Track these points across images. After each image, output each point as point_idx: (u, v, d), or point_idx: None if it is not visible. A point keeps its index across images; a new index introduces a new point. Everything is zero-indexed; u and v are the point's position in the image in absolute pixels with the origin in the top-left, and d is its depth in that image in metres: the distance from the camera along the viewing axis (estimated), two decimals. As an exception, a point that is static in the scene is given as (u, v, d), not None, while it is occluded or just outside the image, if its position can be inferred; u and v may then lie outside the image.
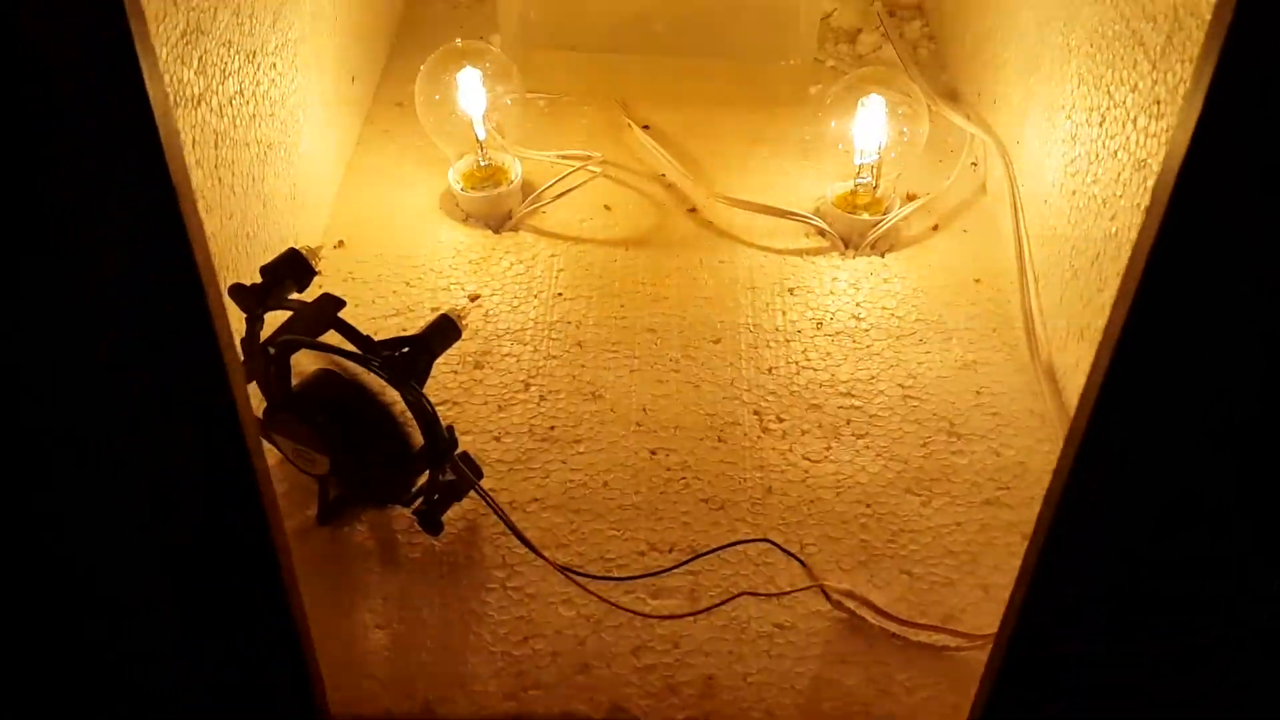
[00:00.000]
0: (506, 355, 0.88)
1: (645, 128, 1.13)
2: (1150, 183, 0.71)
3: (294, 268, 0.76)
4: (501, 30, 1.20)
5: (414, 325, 0.90)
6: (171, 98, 0.69)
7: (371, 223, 1.01)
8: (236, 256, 0.82)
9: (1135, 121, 0.73)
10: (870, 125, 0.98)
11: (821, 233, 1.01)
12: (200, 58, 0.72)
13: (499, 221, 1.02)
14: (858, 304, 0.93)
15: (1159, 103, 0.70)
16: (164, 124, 0.39)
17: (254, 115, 0.81)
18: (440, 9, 1.32)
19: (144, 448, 0.47)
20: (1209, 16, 0.60)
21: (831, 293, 0.95)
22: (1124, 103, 0.75)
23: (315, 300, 0.77)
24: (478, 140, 1.02)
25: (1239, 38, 0.39)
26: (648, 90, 1.17)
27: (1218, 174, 0.40)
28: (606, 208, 1.04)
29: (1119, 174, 0.76)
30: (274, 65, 0.85)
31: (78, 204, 0.40)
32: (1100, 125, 0.79)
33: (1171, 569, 0.50)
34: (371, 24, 1.17)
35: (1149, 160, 0.73)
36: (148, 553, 0.50)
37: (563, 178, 1.03)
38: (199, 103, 0.73)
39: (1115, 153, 0.76)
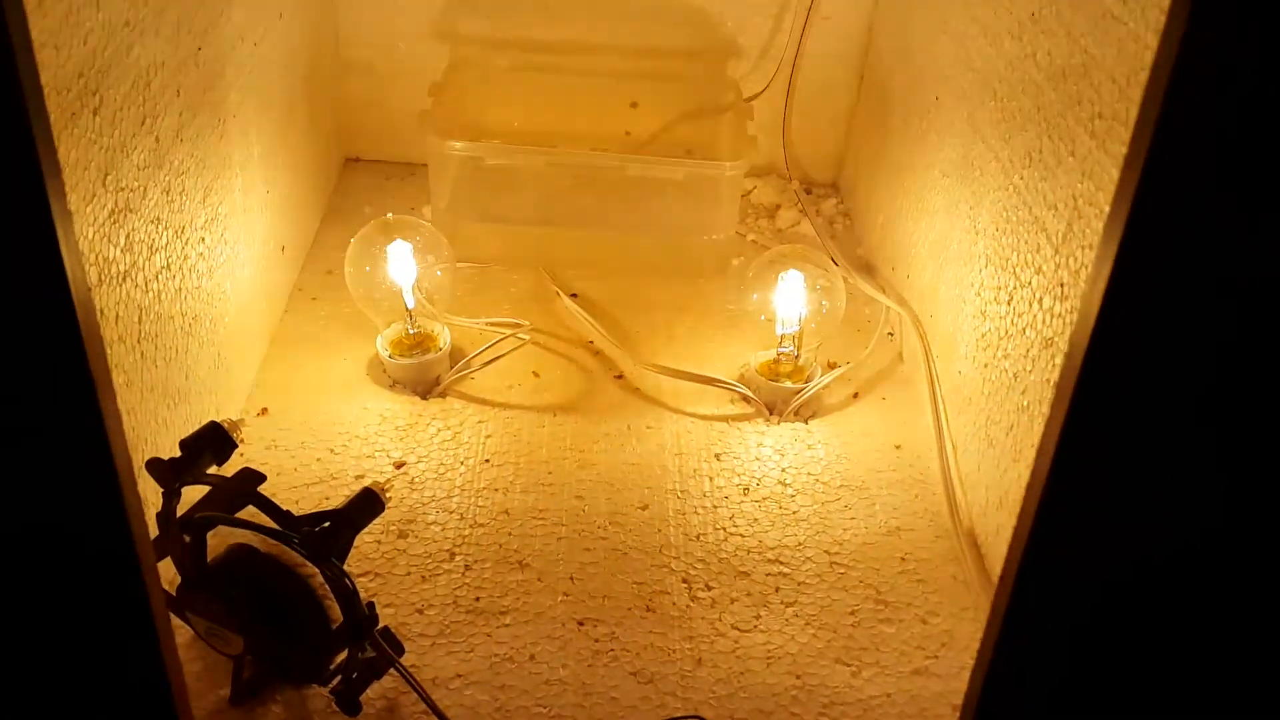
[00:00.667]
0: (432, 524, 0.87)
1: (573, 296, 1.16)
2: (1058, 359, 0.75)
3: (214, 441, 0.75)
4: (433, 202, 1.23)
5: (337, 494, 0.89)
6: (96, 275, 0.69)
7: (297, 390, 1.00)
8: (156, 429, 0.80)
9: (1041, 302, 0.77)
10: (790, 298, 1.02)
11: (746, 399, 1.03)
12: (128, 235, 0.73)
13: (427, 388, 1.02)
14: (783, 469, 0.95)
15: (1063, 285, 0.74)
16: (84, 313, 0.39)
17: (180, 289, 0.81)
18: (372, 179, 1.36)
19: (47, 624, 0.44)
20: (1107, 207, 0.65)
21: (757, 459, 0.96)
22: (1030, 284, 0.80)
23: (235, 475, 0.75)
24: (407, 309, 1.03)
25: (1137, 233, 0.42)
26: (576, 261, 1.20)
27: (1121, 359, 0.43)
28: (535, 374, 1.05)
29: (1028, 350, 0.79)
30: (203, 239, 0.85)
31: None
32: (1008, 304, 0.83)
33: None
34: (303, 196, 1.19)
35: (1055, 339, 0.76)
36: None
37: (491, 345, 1.04)
38: (124, 279, 0.73)
39: (1024, 330, 0.80)
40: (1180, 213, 0.41)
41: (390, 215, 1.06)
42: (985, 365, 0.88)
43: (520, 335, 1.07)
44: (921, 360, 1.03)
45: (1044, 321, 0.77)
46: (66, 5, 0.61)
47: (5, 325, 0.38)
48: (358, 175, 1.36)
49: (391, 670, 0.72)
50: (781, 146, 1.36)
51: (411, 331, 1.04)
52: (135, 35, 0.70)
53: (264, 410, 0.97)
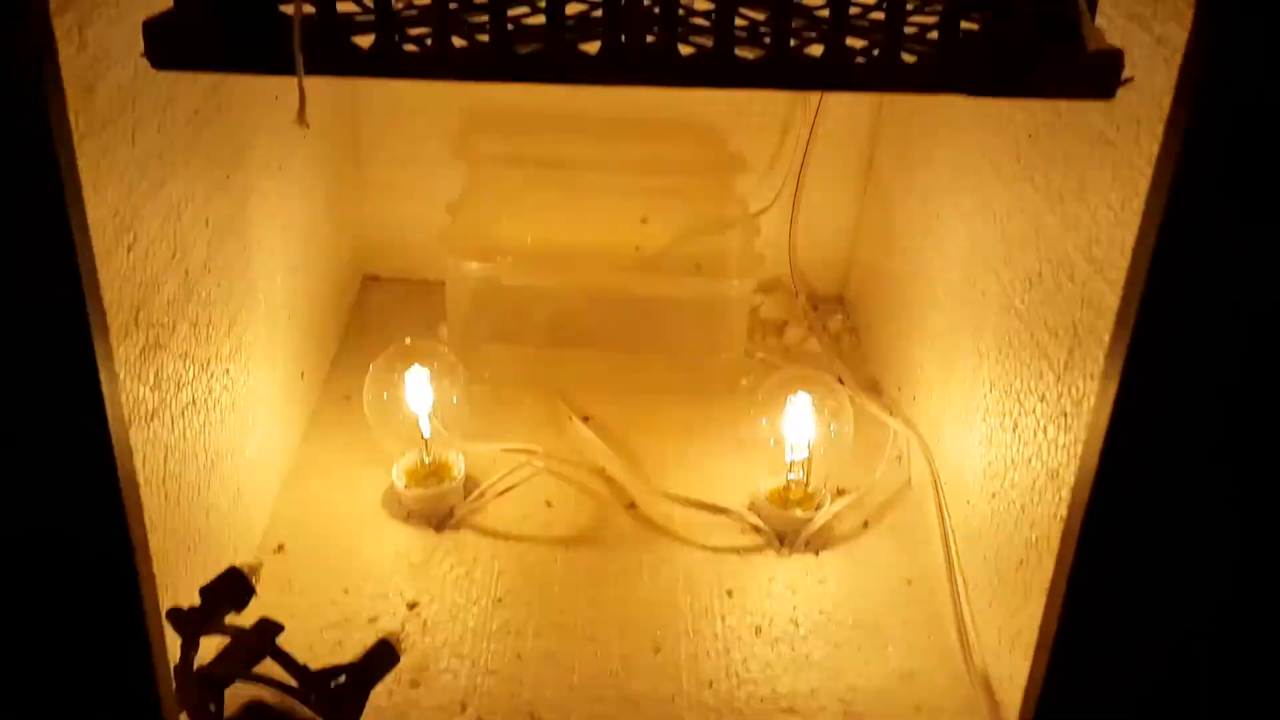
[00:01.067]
0: (444, 671, 0.87)
1: (585, 419, 1.17)
2: (1064, 493, 0.75)
3: (233, 588, 0.77)
4: (449, 322, 1.25)
5: (350, 638, 0.90)
6: (127, 415, 0.71)
7: (312, 525, 1.01)
8: (178, 573, 0.81)
9: (1045, 431, 0.78)
10: (799, 423, 1.03)
11: (757, 529, 1.04)
12: (156, 372, 0.74)
13: (441, 519, 1.03)
14: (794, 607, 0.95)
15: (1065, 414, 0.75)
16: (125, 474, 0.41)
17: (205, 424, 0.82)
18: (390, 298, 1.39)
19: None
20: (1106, 337, 0.66)
21: (769, 595, 0.96)
22: (1034, 411, 0.81)
23: (254, 626, 0.77)
24: (423, 438, 1.05)
25: (1134, 376, 0.43)
26: (588, 382, 1.22)
27: (1120, 511, 0.44)
28: (548, 504, 1.06)
29: (1034, 481, 0.80)
30: (227, 371, 0.87)
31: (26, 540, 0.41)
32: (1014, 431, 0.84)
33: None
34: (322, 317, 1.21)
35: (1060, 470, 0.77)
36: None
37: (505, 475, 1.06)
38: (152, 418, 0.74)
39: (1029, 460, 0.81)
40: (1172, 372, 0.43)
41: (408, 340, 1.08)
42: (993, 495, 0.89)
43: (535, 462, 1.08)
44: (930, 486, 1.04)
45: (1048, 452, 0.77)
46: (102, 144, 0.63)
47: (48, 474, 0.40)
48: (376, 293, 1.39)
49: (405, 834, 0.72)
50: (788, 261, 1.38)
51: (427, 460, 1.06)
52: (168, 169, 0.72)
53: (280, 547, 0.99)
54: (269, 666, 0.75)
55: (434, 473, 1.06)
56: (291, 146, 1.04)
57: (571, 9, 0.59)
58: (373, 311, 1.35)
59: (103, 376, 0.40)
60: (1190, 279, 0.40)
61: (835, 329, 1.34)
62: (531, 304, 1.26)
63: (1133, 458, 0.43)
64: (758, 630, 0.93)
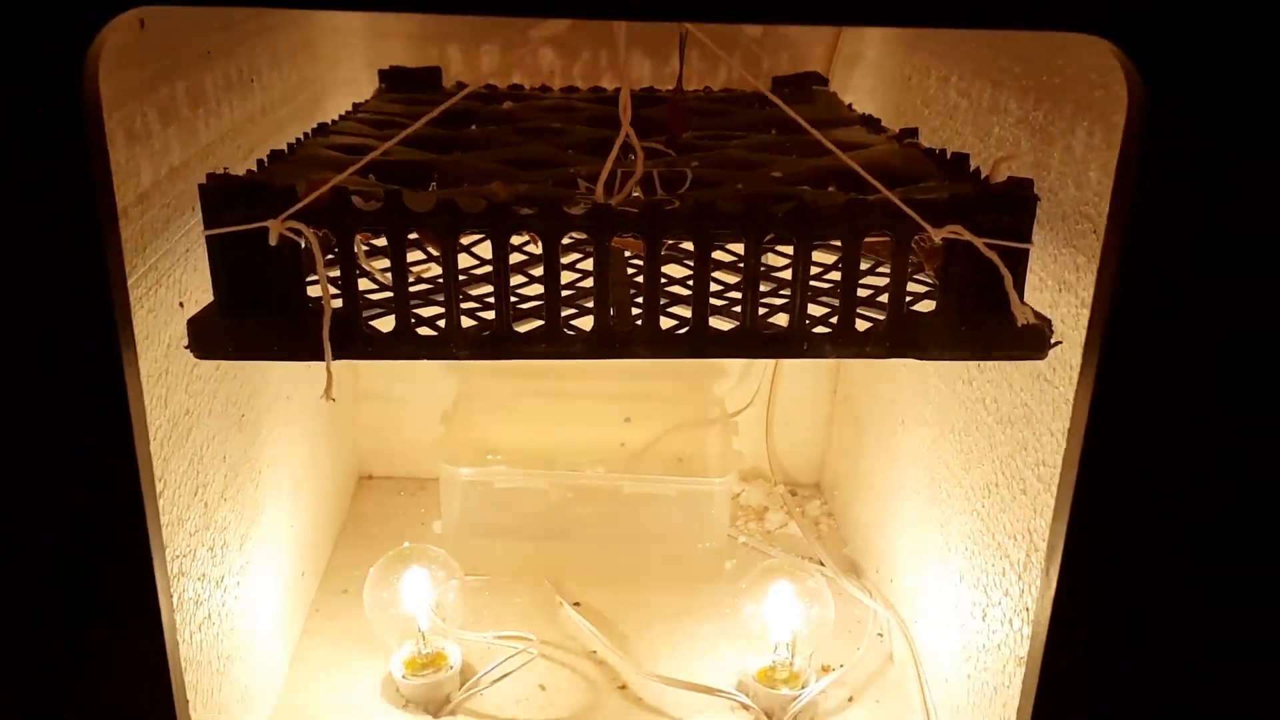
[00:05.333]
0: None
1: (576, 605, 1.22)
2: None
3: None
4: (444, 519, 1.31)
5: (353, 825, 0.91)
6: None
7: (314, 715, 1.04)
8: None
9: (1011, 623, 0.84)
10: (781, 609, 1.08)
11: (746, 708, 1.07)
12: (179, 596, 0.80)
13: (438, 706, 1.06)
14: (785, 783, 0.98)
15: (1028, 609, 0.81)
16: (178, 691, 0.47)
17: (218, 634, 0.87)
18: (385, 495, 1.45)
19: None
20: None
21: (759, 771, 0.99)
22: (999, 604, 0.87)
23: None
24: (420, 631, 1.09)
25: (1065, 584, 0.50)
26: (578, 571, 1.27)
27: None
28: (542, 688, 1.09)
29: (1004, 666, 0.85)
30: (238, 583, 0.93)
31: None
32: (983, 619, 0.90)
33: None
34: (322, 519, 1.27)
35: (1027, 659, 0.82)
36: None
37: (500, 663, 1.09)
38: (177, 635, 0.79)
39: (999, 646, 0.87)
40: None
41: (407, 544, 1.14)
42: (968, 676, 0.94)
43: (528, 650, 1.12)
44: (910, 665, 1.08)
45: (1016, 641, 0.83)
46: (138, 413, 0.71)
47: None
48: (372, 492, 1.45)
49: None
50: (766, 454, 1.46)
51: (424, 651, 1.10)
52: (193, 420, 0.80)
53: (283, 738, 1.01)
54: None
55: (430, 662, 1.09)
56: (298, 379, 1.13)
57: (566, 275, 0.69)
58: (368, 509, 1.41)
59: (162, 605, 0.46)
60: (1110, 495, 0.48)
61: (813, 514, 1.41)
62: (522, 502, 1.33)
63: (1067, 658, 0.50)
64: (750, 805, 0.95)
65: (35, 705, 0.45)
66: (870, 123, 1.00)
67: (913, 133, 0.91)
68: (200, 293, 0.76)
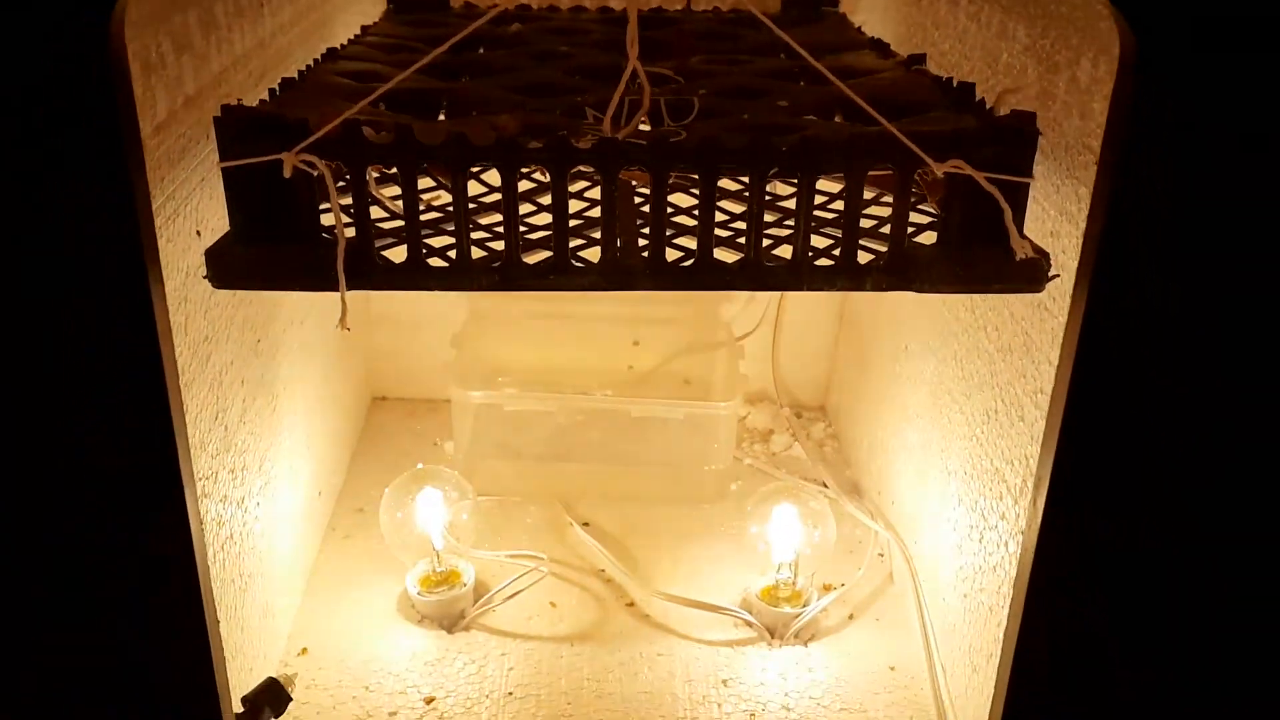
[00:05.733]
0: (462, 759, 0.93)
1: (585, 525, 1.25)
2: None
3: (273, 697, 0.84)
4: (455, 440, 1.34)
5: (373, 731, 0.96)
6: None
7: (332, 629, 1.08)
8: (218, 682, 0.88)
9: (1007, 545, 0.87)
10: (784, 531, 1.11)
11: (749, 624, 1.11)
12: (203, 516, 0.83)
13: (452, 621, 1.10)
14: (786, 694, 1.02)
15: (1023, 533, 0.83)
16: (209, 607, 0.49)
17: (239, 553, 0.90)
18: (397, 416, 1.48)
19: None
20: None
21: (761, 684, 1.03)
22: (996, 527, 0.89)
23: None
24: (434, 550, 1.13)
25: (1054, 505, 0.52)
26: (586, 492, 1.30)
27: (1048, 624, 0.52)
28: (552, 604, 1.13)
29: (999, 587, 0.88)
30: (258, 504, 0.95)
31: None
32: (980, 542, 0.93)
33: None
34: (337, 439, 1.30)
35: (1015, 582, 0.84)
36: None
37: (512, 580, 1.13)
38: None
39: (994, 568, 0.89)
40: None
41: (420, 466, 1.17)
42: (965, 595, 0.97)
43: (539, 568, 1.16)
44: (909, 584, 1.11)
45: (1010, 564, 0.86)
46: (166, 339, 0.73)
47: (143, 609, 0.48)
48: (385, 413, 1.48)
49: None
50: (771, 377, 1.48)
51: (438, 569, 1.13)
52: (212, 346, 0.82)
53: (304, 650, 1.05)
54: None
55: (445, 580, 1.13)
56: (310, 303, 1.14)
57: (573, 204, 0.70)
58: (382, 429, 1.43)
59: (192, 526, 0.49)
60: (1099, 424, 0.49)
61: (818, 436, 1.43)
62: (531, 424, 1.36)
63: (1056, 575, 0.52)
64: (752, 716, 0.99)
65: (74, 623, 0.48)
66: (879, 47, 0.99)
67: (920, 59, 0.91)
68: (217, 221, 0.77)
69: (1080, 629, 0.52)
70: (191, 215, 0.77)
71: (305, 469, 1.14)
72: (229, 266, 0.67)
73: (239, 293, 0.89)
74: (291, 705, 0.90)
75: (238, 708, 0.84)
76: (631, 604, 1.14)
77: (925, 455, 1.09)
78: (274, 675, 0.88)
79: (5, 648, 0.47)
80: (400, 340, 1.47)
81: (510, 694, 1.01)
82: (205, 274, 0.67)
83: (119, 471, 0.46)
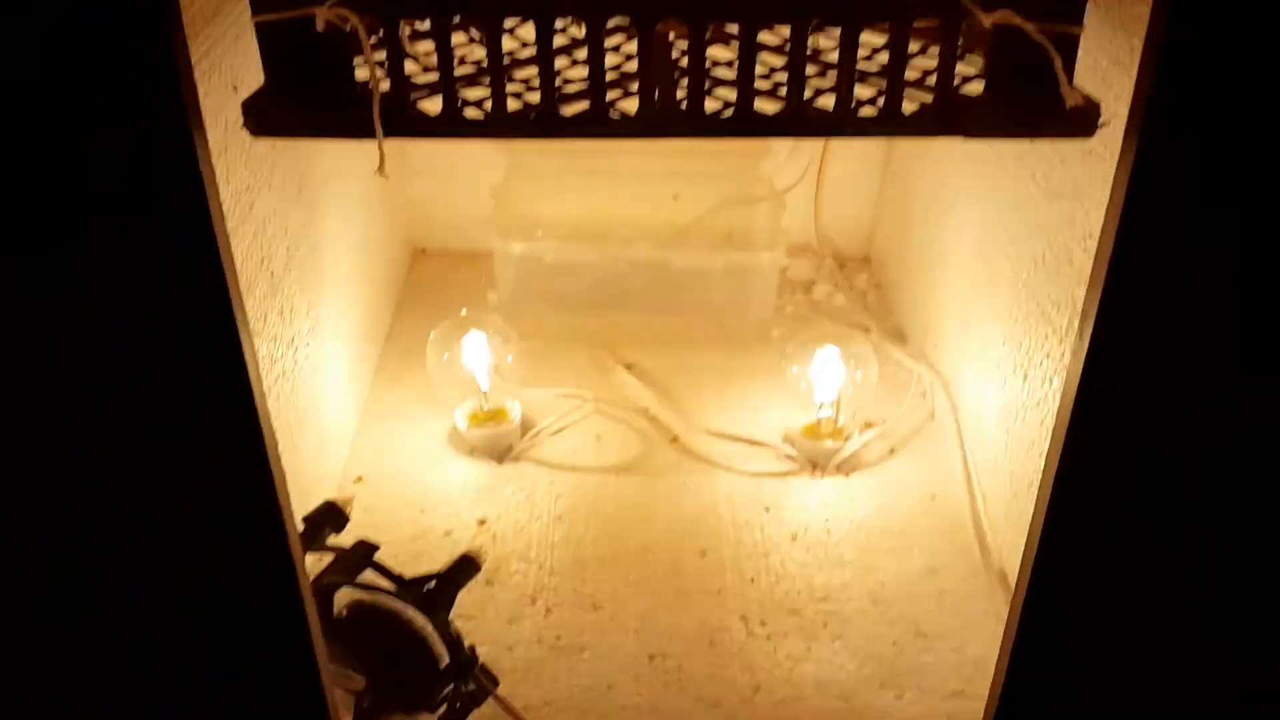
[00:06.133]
0: (514, 573, 0.97)
1: (629, 367, 1.27)
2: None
3: (331, 517, 0.88)
4: (499, 287, 1.35)
5: (429, 548, 1.00)
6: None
7: (385, 459, 1.12)
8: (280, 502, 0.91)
9: (1051, 382, 0.87)
10: (826, 372, 1.12)
11: (791, 458, 1.13)
12: (256, 353, 0.85)
13: (501, 454, 1.13)
14: (827, 519, 1.04)
15: (1069, 371, 0.84)
16: (267, 433, 0.51)
17: (292, 389, 0.93)
18: (440, 268, 1.49)
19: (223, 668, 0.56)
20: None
21: (804, 509, 1.05)
22: (1040, 365, 0.89)
23: (353, 546, 0.87)
24: (481, 391, 1.15)
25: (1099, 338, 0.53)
26: (630, 336, 1.32)
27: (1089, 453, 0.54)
28: (598, 438, 1.16)
29: (1042, 421, 0.89)
30: (307, 344, 0.98)
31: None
32: (1024, 380, 0.93)
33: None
34: (381, 289, 1.32)
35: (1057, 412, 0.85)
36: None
37: (558, 416, 1.15)
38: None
39: (1038, 404, 0.90)
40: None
41: (464, 311, 1.19)
42: (1007, 430, 0.98)
43: (584, 405, 1.18)
44: (951, 421, 1.13)
45: (1053, 399, 0.86)
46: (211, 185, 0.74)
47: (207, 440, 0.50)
48: (427, 265, 1.49)
49: (489, 699, 0.82)
50: (814, 228, 1.47)
51: (486, 407, 1.16)
52: (254, 195, 0.83)
53: (359, 478, 1.09)
54: (368, 577, 0.86)
55: (492, 416, 1.16)
56: (350, 155, 1.14)
57: (610, 59, 0.68)
58: (424, 281, 1.45)
59: (248, 361, 0.50)
60: (1146, 262, 0.49)
61: (861, 286, 1.43)
62: (573, 276, 1.36)
63: (1099, 406, 0.53)
64: (794, 537, 1.02)
65: (132, 452, 0.50)
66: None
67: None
68: (252, 78, 0.78)
69: (1120, 458, 0.54)
70: (228, 71, 0.77)
71: (351, 315, 1.16)
72: (265, 114, 0.67)
73: (278, 145, 0.90)
74: (352, 526, 0.94)
75: (299, 527, 0.88)
76: (675, 440, 1.16)
77: (970, 301, 1.09)
78: (331, 499, 0.92)
79: (74, 469, 0.50)
80: (439, 193, 1.48)
81: (559, 517, 1.04)
82: (243, 123, 0.67)
83: (172, 312, 0.47)
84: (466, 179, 1.44)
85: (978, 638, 0.91)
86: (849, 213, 1.48)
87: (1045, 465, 0.59)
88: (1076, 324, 0.82)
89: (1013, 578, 0.95)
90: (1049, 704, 0.61)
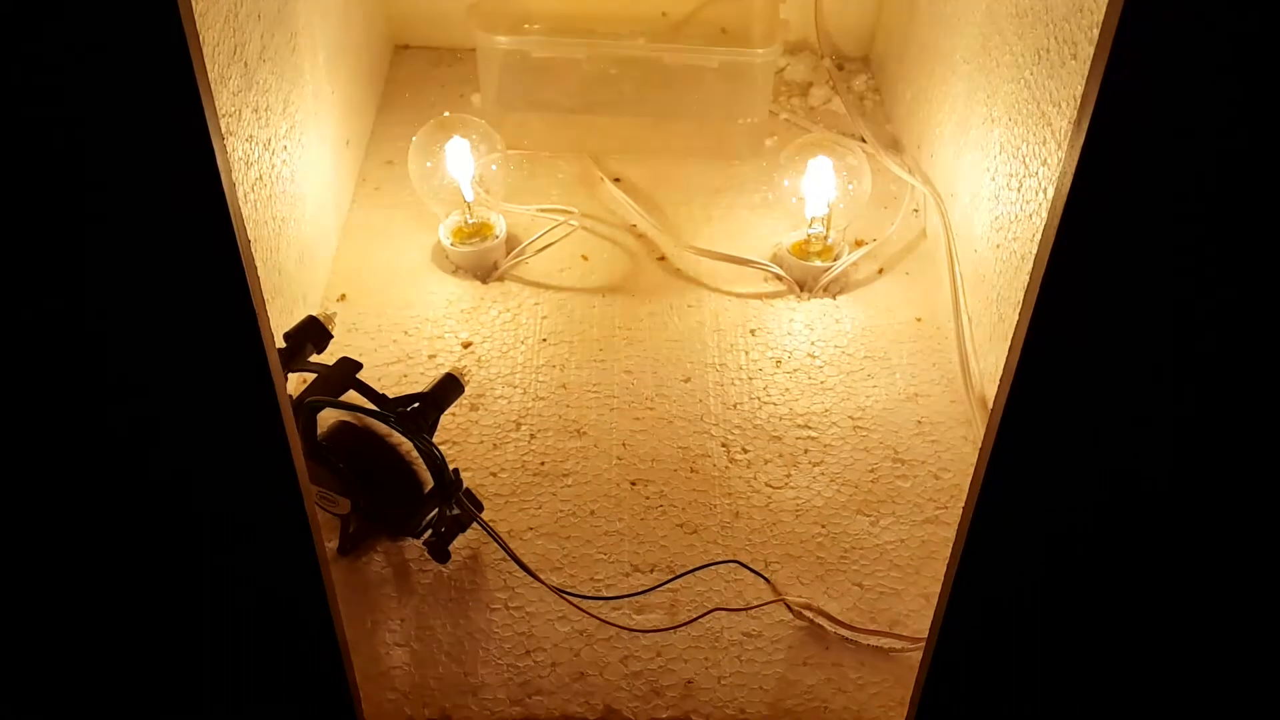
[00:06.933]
0: (499, 398, 0.98)
1: (616, 181, 1.24)
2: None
3: (313, 333, 0.86)
4: (481, 91, 1.30)
5: (413, 371, 1.00)
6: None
7: (369, 277, 1.10)
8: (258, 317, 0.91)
9: (1046, 192, 0.85)
10: (819, 184, 1.09)
11: (779, 278, 1.12)
12: (229, 155, 0.82)
13: (486, 272, 1.12)
14: (812, 343, 1.04)
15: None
16: (240, 238, 0.49)
17: (270, 196, 0.90)
18: (421, 66, 1.42)
19: (210, 491, 0.56)
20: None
21: (789, 333, 1.05)
22: (1037, 173, 0.87)
23: (336, 364, 0.87)
24: (465, 201, 1.12)
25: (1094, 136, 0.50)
26: (618, 146, 1.27)
27: (1080, 254, 0.51)
28: (584, 257, 1.14)
29: (1033, 234, 0.87)
30: (285, 147, 0.94)
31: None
32: (1018, 190, 0.91)
33: (1080, 569, 0.61)
34: (361, 88, 1.26)
35: (1047, 217, 0.84)
36: (208, 576, 0.60)
37: (544, 233, 1.13)
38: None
39: (1030, 215, 0.88)
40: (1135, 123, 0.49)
41: (446, 114, 1.14)
42: (998, 246, 0.96)
43: (570, 222, 1.16)
44: (942, 238, 1.11)
45: (1047, 209, 0.84)
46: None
47: (177, 249, 0.48)
48: (408, 62, 1.43)
49: (474, 524, 0.84)
50: (814, 23, 1.40)
51: (470, 221, 1.14)
52: None
53: (343, 296, 1.08)
54: (351, 396, 0.86)
55: (477, 231, 1.14)
56: None
57: None
58: (406, 80, 1.39)
59: (220, 168, 0.46)
60: (1149, 50, 0.45)
61: (859, 89, 1.37)
62: (560, 73, 1.30)
63: (1090, 209, 0.50)
64: (778, 362, 1.02)
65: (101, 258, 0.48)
66: None
67: None
68: None
69: (1111, 268, 0.51)
70: None
71: (330, 115, 1.11)
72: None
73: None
74: (334, 347, 0.94)
75: (280, 344, 0.87)
76: (663, 258, 1.14)
77: (970, 103, 1.04)
78: (313, 314, 0.91)
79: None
80: (420, -17, 1.39)
81: (544, 340, 1.04)
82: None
83: (134, 107, 0.44)
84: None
85: (955, 464, 0.93)
86: (850, 6, 1.40)
87: (1030, 278, 0.57)
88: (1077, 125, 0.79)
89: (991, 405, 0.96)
90: (1021, 529, 0.62)
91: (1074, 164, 0.50)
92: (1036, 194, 0.87)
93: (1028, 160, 0.89)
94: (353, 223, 1.18)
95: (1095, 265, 0.52)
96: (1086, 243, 0.51)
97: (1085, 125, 0.50)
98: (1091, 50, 0.77)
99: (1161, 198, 0.50)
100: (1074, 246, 0.52)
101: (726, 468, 0.93)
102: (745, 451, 0.94)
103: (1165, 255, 0.51)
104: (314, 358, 0.90)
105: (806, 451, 0.94)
